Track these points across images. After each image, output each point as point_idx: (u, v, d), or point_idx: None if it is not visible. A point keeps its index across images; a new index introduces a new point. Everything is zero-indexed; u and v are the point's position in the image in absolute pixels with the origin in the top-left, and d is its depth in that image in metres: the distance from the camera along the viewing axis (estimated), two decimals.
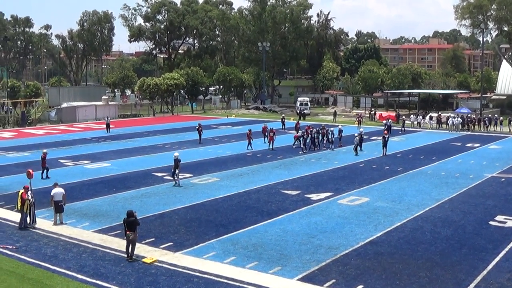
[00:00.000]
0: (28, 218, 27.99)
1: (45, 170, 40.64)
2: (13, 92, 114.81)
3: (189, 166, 45.70)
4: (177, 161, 38.03)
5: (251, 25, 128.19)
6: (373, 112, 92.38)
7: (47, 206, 30.46)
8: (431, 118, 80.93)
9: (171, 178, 38.98)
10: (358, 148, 53.54)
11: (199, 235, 26.71)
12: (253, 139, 56.53)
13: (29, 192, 27.97)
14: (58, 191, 28.77)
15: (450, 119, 76.83)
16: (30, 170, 30.15)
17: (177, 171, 38.13)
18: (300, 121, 73.56)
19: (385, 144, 52.51)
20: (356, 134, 54.64)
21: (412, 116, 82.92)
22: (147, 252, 24.30)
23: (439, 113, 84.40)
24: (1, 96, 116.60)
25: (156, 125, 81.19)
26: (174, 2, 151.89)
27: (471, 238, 26.66)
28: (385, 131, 56.22)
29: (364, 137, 56.34)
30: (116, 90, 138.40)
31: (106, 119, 73.19)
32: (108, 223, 28.70)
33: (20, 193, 27.70)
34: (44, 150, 42.36)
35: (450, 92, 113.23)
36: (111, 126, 72.54)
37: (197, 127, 61.77)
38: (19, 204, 27.57)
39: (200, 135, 61.04)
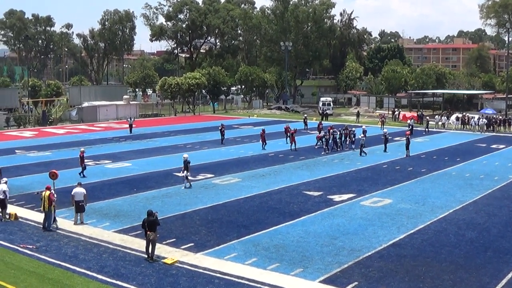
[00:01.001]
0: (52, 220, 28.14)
1: (83, 169, 41.09)
2: (34, 91, 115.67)
3: (210, 166, 45.79)
4: (186, 162, 37.78)
5: (274, 24, 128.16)
6: (397, 112, 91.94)
7: (68, 205, 30.66)
8: (456, 119, 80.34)
9: (191, 178, 38.99)
10: (385, 148, 53.71)
11: (220, 236, 26.74)
12: (275, 139, 56.39)
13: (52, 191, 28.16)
14: (79, 190, 28.94)
15: (474, 119, 76.30)
16: (55, 171, 30.31)
17: (186, 173, 37.83)
18: (322, 122, 73.37)
19: (408, 145, 52.33)
20: (360, 136, 54.26)
21: (436, 116, 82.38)
22: (168, 252, 24.36)
23: (464, 113, 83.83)
24: (22, 95, 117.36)
25: (177, 125, 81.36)
26: (196, 1, 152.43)
27: (496, 240, 26.45)
28: (407, 132, 55.91)
29: (388, 137, 56.11)
30: (137, 90, 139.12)
31: (129, 119, 72.69)
32: (129, 223, 28.82)
33: (47, 194, 27.67)
34: (82, 149, 42.57)
35: (475, 92, 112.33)
36: (133, 126, 72.10)
37: (220, 127, 61.80)
38: (46, 205, 27.57)
39: (222, 135, 61.05)
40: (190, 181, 38.28)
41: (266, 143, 56.45)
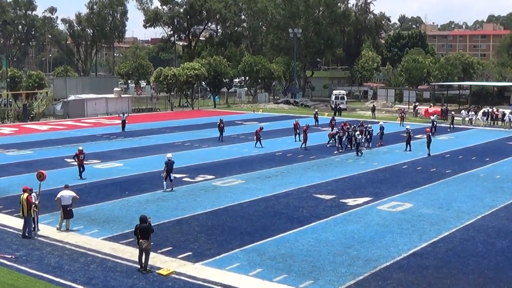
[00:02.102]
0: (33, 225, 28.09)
1: (81, 169, 41.29)
2: (14, 83, 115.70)
3: (211, 167, 45.83)
4: (169, 164, 37.56)
5: (281, 9, 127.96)
6: (417, 107, 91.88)
7: (52, 210, 30.67)
8: (484, 114, 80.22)
9: (189, 180, 39.01)
10: (407, 147, 54.02)
11: (221, 244, 26.75)
12: (283, 137, 56.33)
13: (33, 194, 28.07)
14: (66, 194, 28.81)
15: (507, 115, 76.16)
16: (43, 171, 30.16)
17: (164, 174, 37.65)
18: (335, 117, 73.36)
19: (429, 143, 52.31)
20: (356, 133, 53.63)
21: (463, 112, 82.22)
22: (163, 262, 24.36)
23: (494, 108, 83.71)
24: (0, 87, 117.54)
25: (174, 121, 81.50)
26: None
27: None
28: (427, 129, 55.81)
29: (412, 135, 56.02)
30: (129, 82, 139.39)
31: (121, 115, 71.80)
32: (120, 230, 28.83)
33: (25, 197, 27.62)
34: (80, 147, 42.49)
35: (507, 84, 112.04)
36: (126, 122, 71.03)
37: (218, 123, 61.75)
38: (25, 209, 27.48)
39: (221, 132, 61.02)
40: (166, 184, 37.99)
41: (260, 142, 56.29)
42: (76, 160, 41.26)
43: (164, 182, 37.73)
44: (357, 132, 53.85)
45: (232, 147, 56.93)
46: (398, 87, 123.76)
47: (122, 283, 22.28)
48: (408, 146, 54.41)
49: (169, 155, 38.52)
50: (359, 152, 52.29)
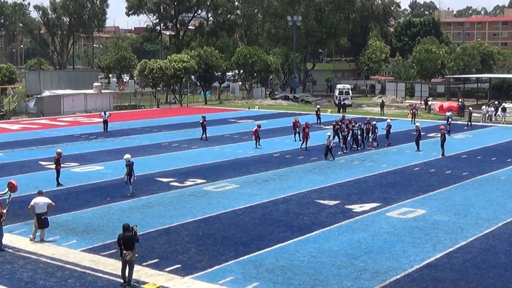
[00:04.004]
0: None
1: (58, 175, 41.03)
2: None
3: (201, 170, 45.84)
4: (129, 165, 37.63)
5: None
6: (430, 102, 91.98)
7: (24, 219, 30.66)
8: (504, 110, 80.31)
9: (177, 185, 39.02)
10: (416, 147, 54.14)
11: (213, 256, 26.78)
12: (281, 136, 56.35)
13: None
14: (40, 201, 28.75)
15: None
16: (14, 182, 29.91)
17: (126, 177, 37.73)
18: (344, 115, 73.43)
19: (443, 143, 52.32)
20: (327, 135, 53.00)
21: (483, 107, 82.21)
22: (149, 276, 24.39)
23: None
24: None
25: (161, 119, 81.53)
26: None
27: None
28: (442, 126, 55.80)
29: (421, 133, 56.14)
30: (111, 76, 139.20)
31: (103, 114, 71.21)
32: (101, 240, 28.83)
33: None
34: (59, 150, 42.29)
35: None
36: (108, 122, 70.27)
37: (201, 121, 61.75)
38: None
39: (204, 130, 61.13)
40: (133, 188, 38.03)
41: (258, 141, 56.38)
42: (57, 164, 40.95)
43: (130, 186, 37.81)
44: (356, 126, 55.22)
45: (224, 148, 56.96)
46: (409, 80, 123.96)
47: None
48: (417, 146, 54.37)
49: (127, 155, 38.42)
50: (359, 147, 53.65)
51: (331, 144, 49.83)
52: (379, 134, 57.25)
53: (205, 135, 61.30)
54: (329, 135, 49.87)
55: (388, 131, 58.16)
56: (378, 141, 56.90)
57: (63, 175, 42.05)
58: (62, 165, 42.27)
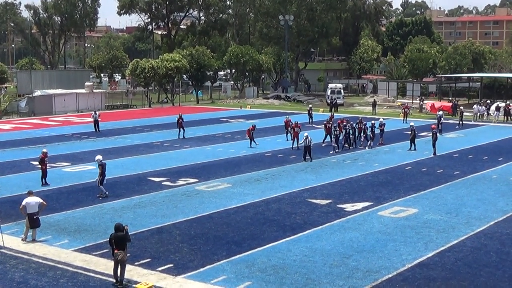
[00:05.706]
0: None
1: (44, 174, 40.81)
2: None
3: (193, 169, 45.79)
4: (101, 165, 37.45)
5: None
6: (422, 101, 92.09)
7: (16, 219, 30.59)
8: (497, 108, 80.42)
9: (169, 184, 38.99)
10: (412, 146, 54.36)
11: (205, 255, 26.76)
12: (273, 135, 56.34)
13: None
14: (31, 200, 28.68)
15: None
16: None
17: (99, 178, 37.49)
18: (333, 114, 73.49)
19: (435, 142, 52.39)
20: (305, 135, 52.86)
21: (475, 106, 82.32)
22: (141, 276, 24.36)
23: (508, 102, 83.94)
24: None
25: (153, 119, 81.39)
26: None
27: None
28: (433, 125, 55.91)
29: (416, 132, 56.15)
30: (102, 75, 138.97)
31: (94, 114, 70.21)
32: (93, 240, 28.77)
33: None
34: (44, 150, 42.12)
35: None
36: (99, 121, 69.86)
37: (177, 119, 61.72)
38: None
39: (180, 129, 61.56)
40: (106, 190, 37.86)
41: (254, 141, 56.40)
42: (42, 164, 40.79)
43: (102, 187, 37.66)
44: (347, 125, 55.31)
45: (216, 147, 56.91)
46: (401, 79, 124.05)
47: None
48: (413, 145, 54.49)
49: (99, 156, 38.17)
50: (351, 146, 54.18)
51: (311, 144, 49.69)
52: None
53: (183, 133, 61.63)
54: (307, 135, 49.56)
55: (382, 130, 58.27)
56: (371, 140, 56.90)
57: (55, 174, 42.04)
58: (53, 164, 42.21)
